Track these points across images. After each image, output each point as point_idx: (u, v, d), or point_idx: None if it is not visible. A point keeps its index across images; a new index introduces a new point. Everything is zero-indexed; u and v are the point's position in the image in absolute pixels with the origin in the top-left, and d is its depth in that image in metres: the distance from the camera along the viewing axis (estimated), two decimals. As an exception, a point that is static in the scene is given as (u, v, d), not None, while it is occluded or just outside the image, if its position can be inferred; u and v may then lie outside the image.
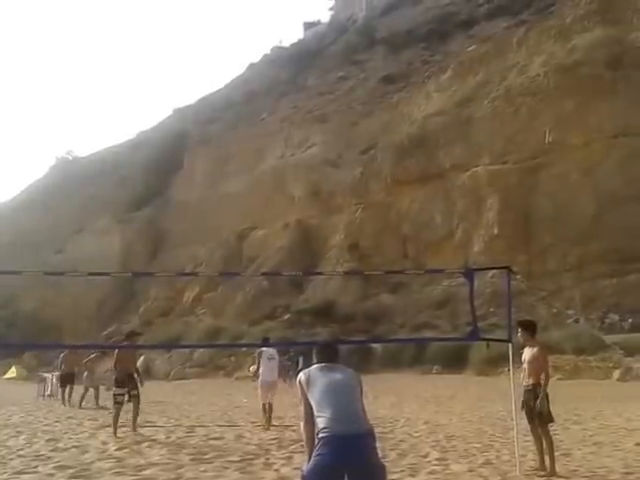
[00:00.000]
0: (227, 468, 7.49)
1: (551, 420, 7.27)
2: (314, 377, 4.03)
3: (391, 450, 8.49)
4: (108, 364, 14.97)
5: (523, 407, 7.36)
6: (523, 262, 28.39)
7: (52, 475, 7.20)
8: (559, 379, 19.61)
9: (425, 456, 8.18)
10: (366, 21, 69.29)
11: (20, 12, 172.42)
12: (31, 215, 57.35)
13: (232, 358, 30.42)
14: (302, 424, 4.06)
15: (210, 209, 46.77)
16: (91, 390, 16.67)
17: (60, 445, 9.43)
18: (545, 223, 30.92)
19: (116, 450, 8.88)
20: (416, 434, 10.23)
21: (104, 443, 9.61)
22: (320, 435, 3.79)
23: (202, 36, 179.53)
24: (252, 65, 76.15)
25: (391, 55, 55.21)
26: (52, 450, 8.93)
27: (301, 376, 4.09)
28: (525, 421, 7.42)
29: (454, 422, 11.72)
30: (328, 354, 4.23)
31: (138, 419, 10.79)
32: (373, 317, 31.77)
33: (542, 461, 7.19)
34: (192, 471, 7.33)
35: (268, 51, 78.53)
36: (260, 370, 12.01)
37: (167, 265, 44.00)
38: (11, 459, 8.20)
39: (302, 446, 4.40)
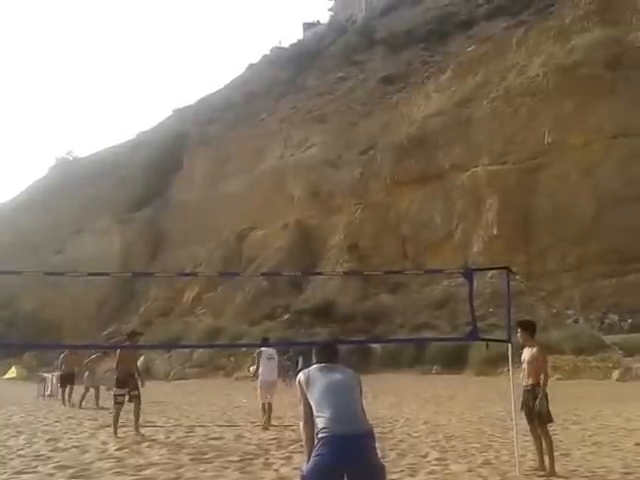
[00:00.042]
0: (227, 468, 7.50)
1: (550, 420, 7.28)
2: (314, 377, 4.03)
3: (390, 450, 8.50)
4: (109, 364, 15.00)
5: (522, 407, 7.37)
6: (522, 262, 28.37)
7: (52, 475, 7.22)
8: (558, 379, 19.62)
9: (424, 456, 8.19)
10: (365, 21, 69.31)
11: (20, 12, 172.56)
12: (31, 215, 57.35)
13: (232, 358, 30.43)
14: (301, 424, 4.07)
15: (210, 209, 46.78)
16: (91, 390, 16.68)
17: (60, 445, 9.44)
18: (544, 223, 30.93)
19: (116, 450, 8.89)
20: (415, 434, 10.24)
21: (104, 443, 9.62)
22: (320, 435, 3.80)
23: (202, 37, 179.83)
24: (252, 66, 76.18)
25: (390, 55, 55.23)
26: (52, 450, 8.94)
27: (300, 376, 4.09)
28: (524, 421, 7.43)
29: (453, 422, 11.72)
30: (328, 354, 4.23)
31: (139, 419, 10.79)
32: (372, 317, 31.78)
33: (541, 461, 7.20)
34: (192, 471, 7.34)
35: (268, 52, 78.69)
36: (260, 370, 12.03)
37: (167, 265, 44.02)
38: (11, 459, 8.21)
39: (301, 446, 4.41)
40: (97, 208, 54.12)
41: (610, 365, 21.70)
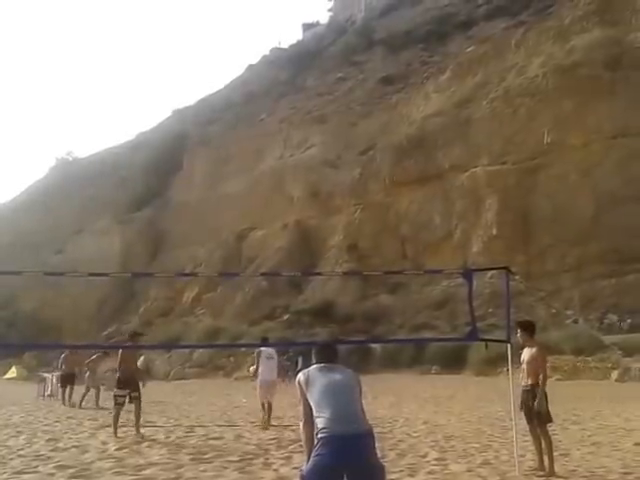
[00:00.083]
0: (226, 468, 7.50)
1: (550, 420, 7.28)
2: (313, 377, 4.03)
3: (390, 450, 8.51)
4: (109, 364, 15.01)
5: (522, 407, 7.38)
6: (522, 262, 28.40)
7: (52, 475, 7.22)
8: (558, 379, 19.65)
9: (424, 456, 8.19)
10: (365, 22, 69.29)
11: (20, 12, 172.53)
12: (31, 216, 57.38)
13: (231, 358, 30.45)
14: (301, 424, 4.08)
15: (209, 210, 46.80)
16: (92, 390, 16.70)
17: (60, 445, 9.44)
18: (544, 224, 30.94)
19: (116, 450, 8.90)
20: (415, 434, 10.25)
21: (104, 443, 9.63)
22: (319, 435, 3.81)
23: (201, 37, 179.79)
24: (251, 66, 76.18)
25: (390, 56, 55.23)
26: (52, 450, 8.94)
27: (300, 376, 4.10)
28: (524, 421, 7.43)
29: (453, 422, 11.73)
30: (327, 354, 4.24)
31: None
32: (372, 317, 31.79)
33: (541, 461, 7.21)
34: (192, 471, 7.35)
35: (267, 52, 78.69)
36: (259, 370, 12.04)
37: (167, 265, 44.04)
38: (11, 459, 8.21)
39: (301, 446, 4.41)
40: (97, 208, 54.16)
41: (609, 365, 21.72)
